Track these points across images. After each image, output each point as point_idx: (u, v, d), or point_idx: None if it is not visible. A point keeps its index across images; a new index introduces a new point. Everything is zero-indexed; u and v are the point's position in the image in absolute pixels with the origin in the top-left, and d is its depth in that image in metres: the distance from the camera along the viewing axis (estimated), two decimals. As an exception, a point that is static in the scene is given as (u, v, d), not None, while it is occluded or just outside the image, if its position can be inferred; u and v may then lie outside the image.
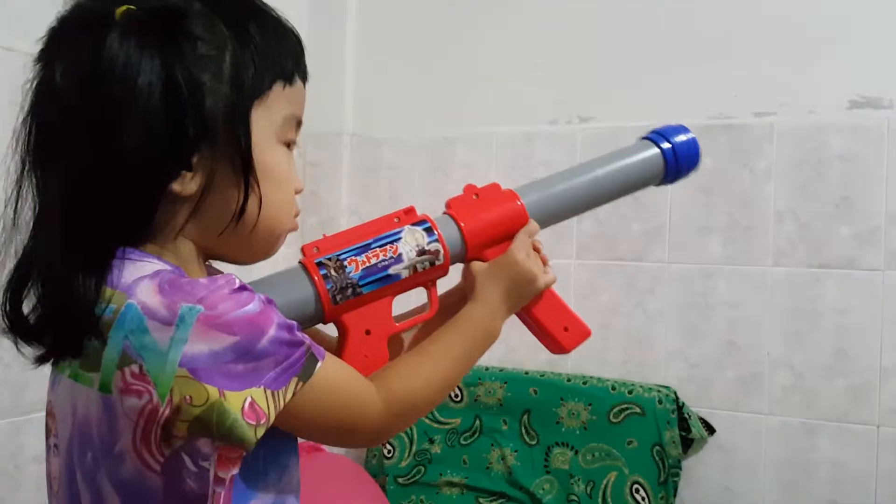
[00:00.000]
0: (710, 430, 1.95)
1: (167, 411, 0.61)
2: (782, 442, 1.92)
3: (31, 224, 0.68)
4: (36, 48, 0.70)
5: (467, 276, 0.89)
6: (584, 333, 0.93)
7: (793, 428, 1.91)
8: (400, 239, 0.82)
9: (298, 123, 0.76)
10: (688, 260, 2.01)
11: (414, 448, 2.14)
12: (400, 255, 0.82)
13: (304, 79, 0.75)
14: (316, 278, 0.78)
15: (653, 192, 1.99)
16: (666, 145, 0.96)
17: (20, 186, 0.68)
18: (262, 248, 0.75)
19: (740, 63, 1.95)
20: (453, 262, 0.88)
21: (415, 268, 0.83)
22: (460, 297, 0.91)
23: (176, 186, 0.67)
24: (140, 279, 0.64)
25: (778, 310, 1.93)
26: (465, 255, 0.88)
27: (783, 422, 1.91)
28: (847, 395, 1.86)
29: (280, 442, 0.72)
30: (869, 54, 1.85)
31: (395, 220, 0.85)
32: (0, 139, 1.38)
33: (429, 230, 0.84)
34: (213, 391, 0.61)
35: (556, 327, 0.92)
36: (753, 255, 1.95)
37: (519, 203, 0.89)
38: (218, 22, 0.67)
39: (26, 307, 0.68)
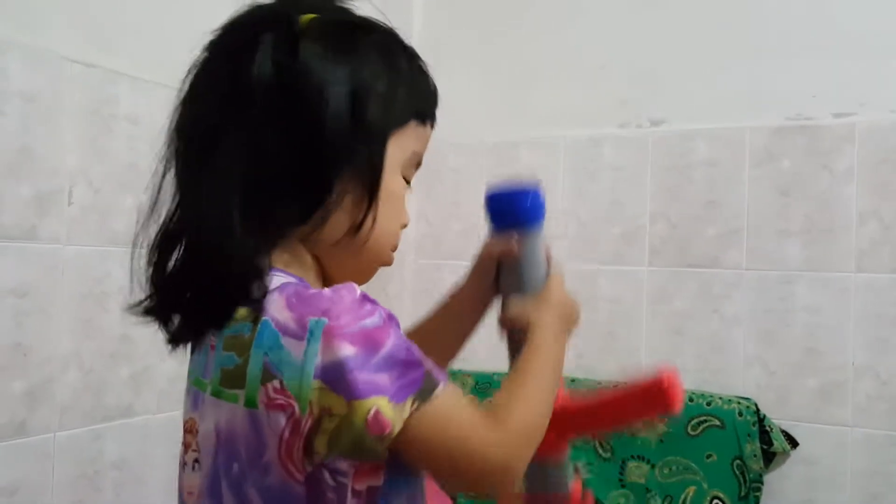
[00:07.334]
0: (794, 443, 1.88)
1: (309, 422, 0.64)
2: (867, 454, 1.84)
3: (178, 203, 0.72)
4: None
5: (508, 324, 0.87)
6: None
7: (878, 439, 1.83)
8: None
9: (418, 164, 0.80)
10: (765, 265, 1.95)
11: (484, 458, 2.11)
12: None
13: (433, 124, 0.81)
14: None
15: (727, 194, 1.96)
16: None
17: (164, 176, 0.72)
18: (361, 271, 0.78)
19: (818, 63, 1.89)
20: None
21: None
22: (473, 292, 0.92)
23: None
24: (269, 294, 0.67)
25: (860, 315, 1.86)
26: None
27: (868, 433, 1.84)
28: (936, 404, 1.78)
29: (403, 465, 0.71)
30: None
31: None
32: (78, 146, 1.42)
33: None
34: (342, 401, 0.63)
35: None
36: (834, 258, 1.88)
37: None
38: (378, 49, 0.75)
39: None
